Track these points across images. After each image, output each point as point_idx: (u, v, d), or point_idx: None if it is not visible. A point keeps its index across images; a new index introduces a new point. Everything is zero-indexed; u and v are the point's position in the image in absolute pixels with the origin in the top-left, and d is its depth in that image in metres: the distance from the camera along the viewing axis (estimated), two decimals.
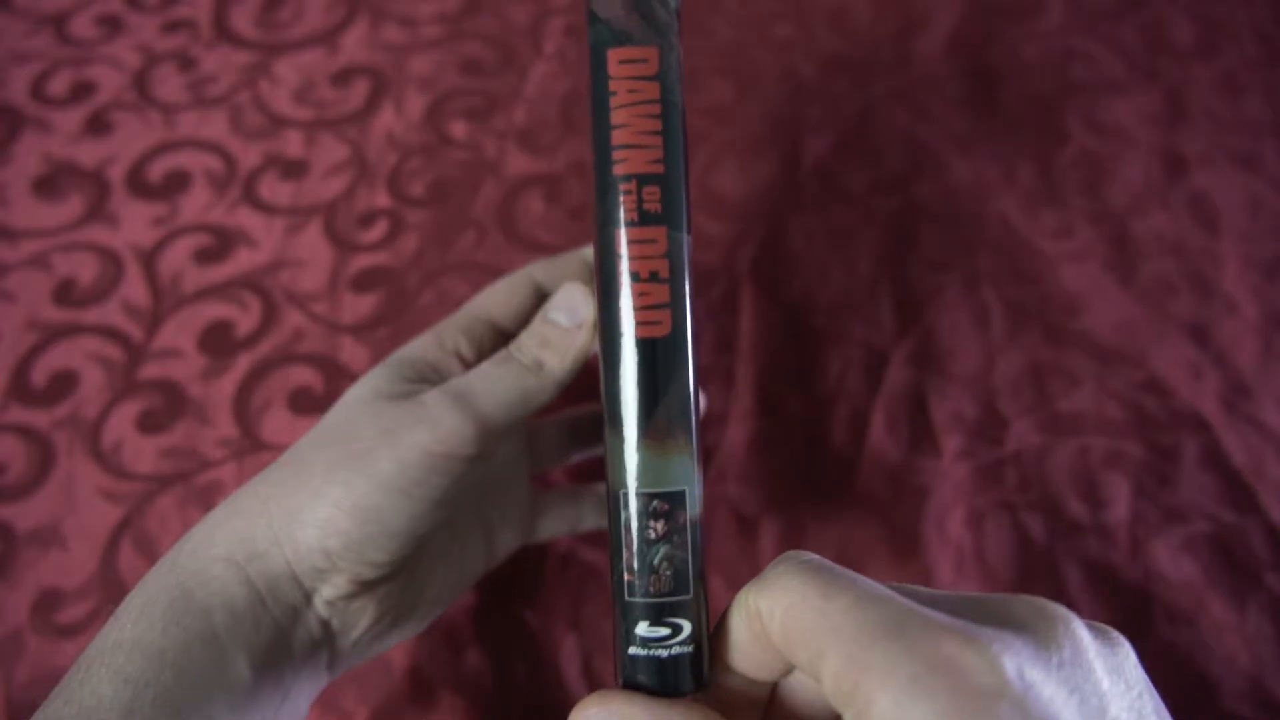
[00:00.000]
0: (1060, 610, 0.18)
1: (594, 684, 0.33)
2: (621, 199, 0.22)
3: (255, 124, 0.46)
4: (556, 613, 0.34)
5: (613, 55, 0.22)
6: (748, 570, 0.34)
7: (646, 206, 0.22)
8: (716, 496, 0.36)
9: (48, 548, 0.34)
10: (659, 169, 0.22)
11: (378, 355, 0.39)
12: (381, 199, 0.43)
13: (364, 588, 0.25)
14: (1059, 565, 0.34)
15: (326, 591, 0.24)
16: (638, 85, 0.22)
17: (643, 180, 0.22)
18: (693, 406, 0.22)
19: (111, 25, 0.49)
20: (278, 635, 0.24)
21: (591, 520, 0.33)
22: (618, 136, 0.22)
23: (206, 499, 0.35)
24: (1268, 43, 0.48)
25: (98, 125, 0.46)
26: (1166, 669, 0.32)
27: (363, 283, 0.41)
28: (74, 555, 0.34)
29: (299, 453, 0.26)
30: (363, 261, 0.41)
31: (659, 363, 0.22)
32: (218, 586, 0.23)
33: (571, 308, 0.27)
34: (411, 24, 0.50)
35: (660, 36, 0.22)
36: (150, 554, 0.34)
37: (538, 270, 0.30)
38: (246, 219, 0.43)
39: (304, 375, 0.38)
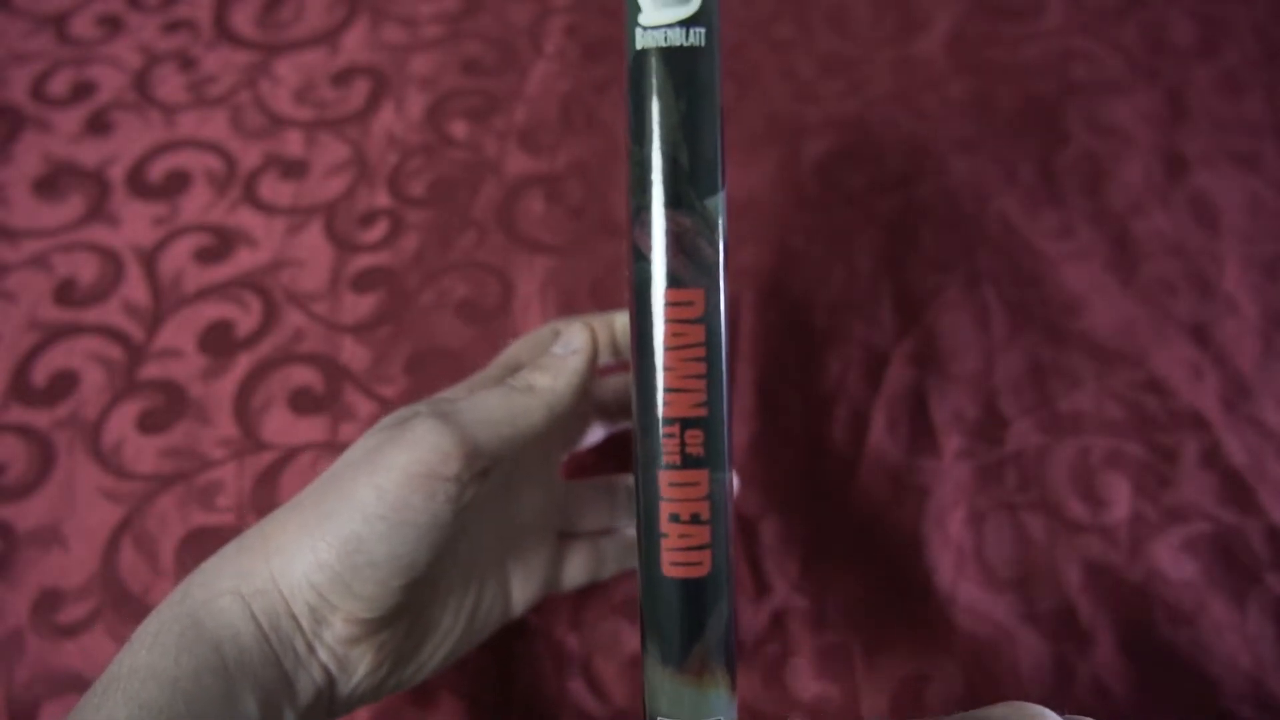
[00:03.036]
0: (1037, 710, 0.19)
1: (594, 684, 0.33)
2: (663, 442, 0.22)
3: (255, 124, 0.46)
4: (556, 613, 0.34)
5: (657, 296, 0.22)
6: (748, 572, 0.34)
7: (689, 450, 0.22)
8: None
9: (48, 548, 0.34)
10: (702, 413, 0.22)
11: (378, 355, 0.39)
12: (382, 199, 0.43)
13: (364, 629, 0.24)
14: (1059, 565, 0.34)
15: (328, 635, 0.24)
16: (682, 329, 0.22)
17: (686, 424, 0.22)
18: (731, 638, 0.22)
19: (111, 25, 0.49)
20: (282, 676, 0.23)
21: (613, 566, 0.33)
22: (661, 379, 0.22)
23: (206, 499, 0.35)
24: (1268, 43, 0.48)
25: (98, 125, 0.46)
26: (1166, 669, 0.32)
27: (363, 283, 0.41)
28: (74, 555, 0.34)
29: (302, 492, 0.25)
30: (363, 261, 0.41)
31: (698, 602, 0.22)
32: (226, 619, 0.23)
33: (567, 340, 0.28)
34: (412, 24, 0.50)
35: (707, 277, 0.22)
36: (150, 554, 0.34)
37: (561, 325, 0.31)
38: (247, 219, 0.43)
39: (304, 375, 0.38)
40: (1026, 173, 0.44)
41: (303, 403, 0.38)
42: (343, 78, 0.48)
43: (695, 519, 0.22)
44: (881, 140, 0.45)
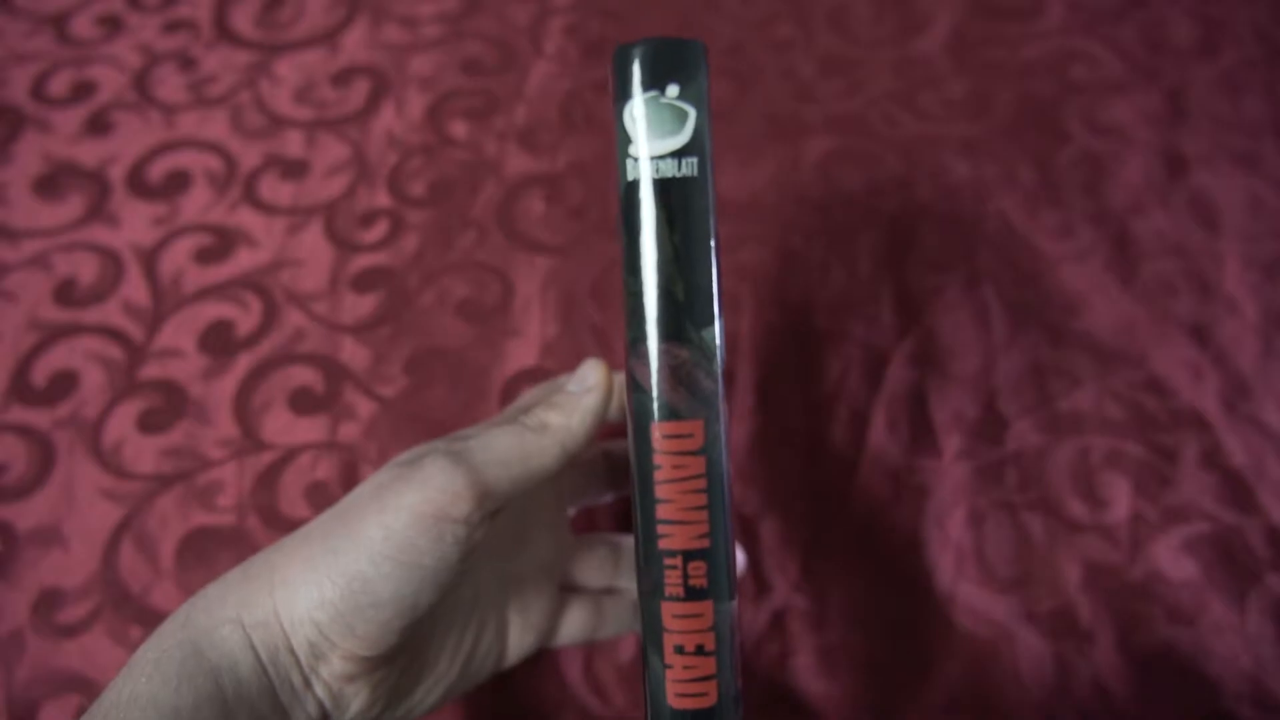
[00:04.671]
0: None
1: (594, 684, 0.33)
2: (666, 574, 0.22)
3: (255, 124, 0.46)
4: None
5: (656, 429, 0.22)
6: (748, 572, 0.34)
7: (692, 582, 0.22)
8: None
9: (48, 547, 0.34)
10: (704, 544, 0.22)
11: (378, 355, 0.39)
12: (382, 199, 0.43)
13: (362, 667, 0.24)
14: (1059, 565, 0.34)
15: (325, 671, 0.24)
16: (683, 461, 0.22)
17: (688, 556, 0.22)
18: None
19: (111, 25, 0.49)
20: (278, 709, 0.23)
21: (611, 628, 0.32)
22: (662, 511, 0.22)
23: (206, 499, 0.35)
24: (1268, 43, 0.48)
25: (98, 125, 0.46)
26: (1166, 669, 0.32)
27: (363, 283, 0.41)
28: (74, 555, 0.34)
29: (311, 524, 0.25)
30: (363, 261, 0.41)
31: None
32: (226, 649, 0.23)
33: (582, 377, 0.27)
34: (412, 24, 0.50)
35: (706, 408, 0.22)
36: (150, 554, 0.34)
37: None
38: (247, 219, 0.43)
39: (304, 375, 0.38)
40: (1026, 173, 0.44)
41: (303, 403, 0.38)
42: (343, 78, 0.48)
43: (700, 650, 0.22)
44: (881, 140, 0.45)
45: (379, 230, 0.42)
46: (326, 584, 0.23)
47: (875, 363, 0.39)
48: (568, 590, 0.32)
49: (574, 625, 0.31)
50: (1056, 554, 0.34)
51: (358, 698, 0.25)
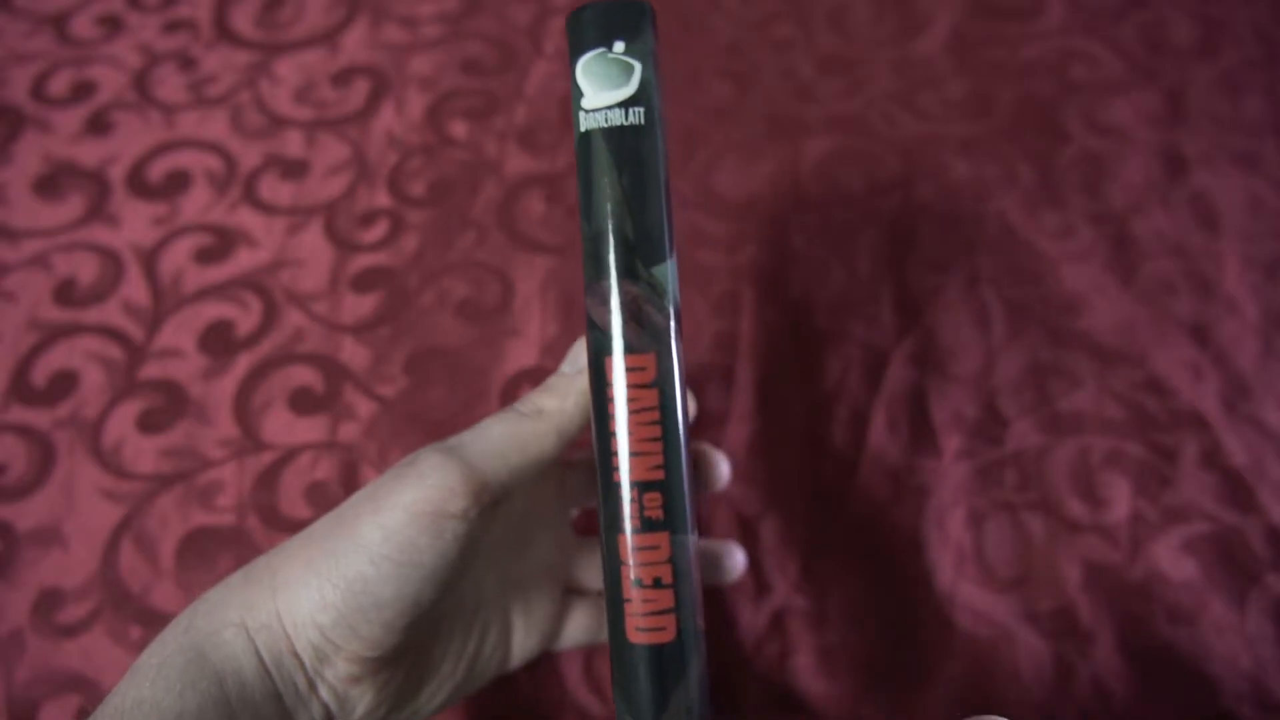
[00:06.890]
0: None
1: (594, 684, 0.33)
2: (622, 507, 0.22)
3: (255, 124, 0.46)
4: None
5: (610, 363, 0.22)
6: (748, 572, 0.34)
7: (648, 514, 0.22)
8: (717, 497, 0.36)
9: (48, 547, 0.34)
10: (659, 475, 0.22)
11: (378, 355, 0.39)
12: (382, 199, 0.43)
13: (366, 669, 0.24)
14: (1059, 565, 0.34)
15: (329, 674, 0.24)
16: (637, 394, 0.22)
17: (643, 487, 0.22)
18: (705, 700, 0.22)
19: (111, 25, 0.49)
20: (282, 712, 0.23)
21: None
22: (617, 444, 0.22)
23: (206, 499, 0.35)
24: (1268, 43, 0.48)
25: (98, 125, 0.46)
26: (1166, 669, 0.32)
27: (363, 283, 0.41)
28: (74, 555, 0.34)
29: (312, 526, 0.25)
30: (363, 261, 0.41)
31: (664, 667, 0.22)
32: (229, 652, 0.23)
33: (574, 358, 0.27)
34: (412, 24, 0.50)
35: (658, 343, 0.22)
36: (150, 554, 0.34)
37: None
38: (247, 219, 0.43)
39: (304, 375, 0.38)
40: (1026, 173, 0.44)
41: (303, 403, 0.38)
42: (343, 78, 0.48)
43: (658, 583, 0.22)
44: (881, 140, 0.45)
45: (379, 230, 0.42)
46: (328, 586, 0.23)
47: (875, 363, 0.39)
48: (571, 592, 0.32)
49: (578, 627, 0.31)
50: (1056, 554, 0.34)
51: (363, 700, 0.25)
